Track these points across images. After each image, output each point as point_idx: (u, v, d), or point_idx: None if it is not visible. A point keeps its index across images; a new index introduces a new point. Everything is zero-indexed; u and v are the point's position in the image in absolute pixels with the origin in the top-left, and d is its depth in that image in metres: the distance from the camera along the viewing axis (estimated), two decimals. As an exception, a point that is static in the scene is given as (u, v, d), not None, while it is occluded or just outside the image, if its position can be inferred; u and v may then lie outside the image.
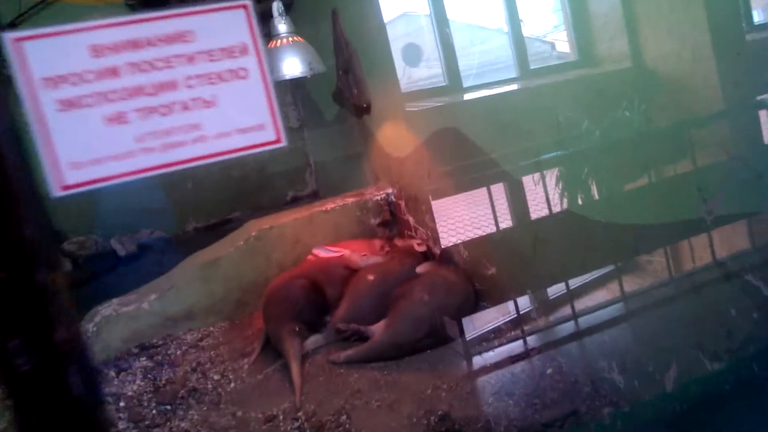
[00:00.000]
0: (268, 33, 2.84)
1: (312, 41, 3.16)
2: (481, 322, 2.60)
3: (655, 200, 2.17)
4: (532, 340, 2.42)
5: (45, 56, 0.86)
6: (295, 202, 6.22)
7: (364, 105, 3.40)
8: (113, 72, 0.83)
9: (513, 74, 3.92)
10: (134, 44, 0.84)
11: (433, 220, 3.07)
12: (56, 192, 0.97)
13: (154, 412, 2.42)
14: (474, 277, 2.73)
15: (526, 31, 4.04)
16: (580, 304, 2.47)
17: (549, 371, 2.21)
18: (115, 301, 3.08)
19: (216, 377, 2.64)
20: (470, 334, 2.53)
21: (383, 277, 2.81)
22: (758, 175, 2.38)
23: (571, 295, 2.46)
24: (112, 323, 2.95)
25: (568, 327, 2.45)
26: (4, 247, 0.81)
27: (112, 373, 2.76)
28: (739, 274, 2.13)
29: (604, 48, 4.07)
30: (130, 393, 2.60)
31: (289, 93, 5.73)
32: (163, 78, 0.86)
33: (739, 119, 3.02)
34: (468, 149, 2.88)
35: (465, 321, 2.54)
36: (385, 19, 3.38)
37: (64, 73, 0.85)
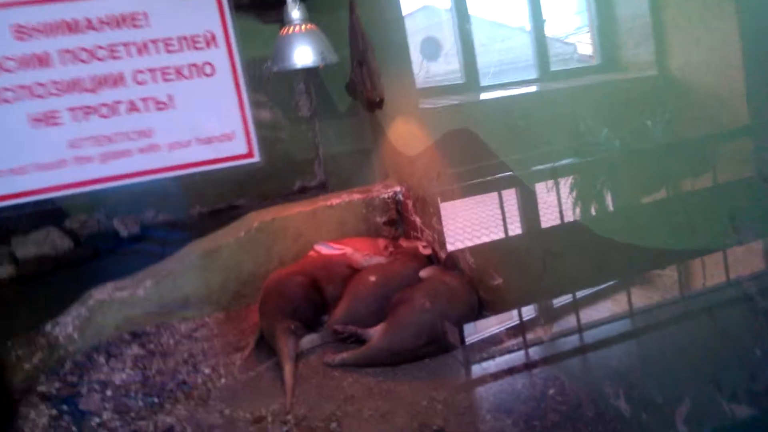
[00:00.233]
0: (281, 19, 2.73)
1: (328, 30, 3.05)
2: (483, 334, 2.50)
3: (675, 220, 2.06)
4: (534, 356, 2.32)
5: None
6: (303, 192, 6.13)
7: (377, 99, 3.29)
8: (42, 60, 0.69)
9: (533, 75, 3.80)
10: (70, 26, 0.70)
11: (441, 223, 2.97)
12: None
13: (140, 403, 2.36)
14: (479, 286, 2.63)
15: (548, 31, 3.91)
16: (586, 315, 2.35)
17: (551, 391, 2.11)
18: (110, 285, 3.02)
19: (207, 371, 2.56)
20: (471, 345, 2.44)
21: (385, 278, 2.72)
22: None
23: (576, 308, 2.36)
24: (105, 307, 2.89)
25: (573, 343, 2.35)
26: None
27: (102, 360, 2.70)
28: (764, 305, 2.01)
29: (629, 53, 3.92)
30: (118, 381, 2.53)
31: (302, 81, 5.62)
32: (106, 70, 0.71)
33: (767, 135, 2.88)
34: (481, 151, 2.76)
35: (466, 331, 2.44)
36: (406, 11, 3.27)
37: (-24, 59, 0.69)
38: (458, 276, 2.70)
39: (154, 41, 0.72)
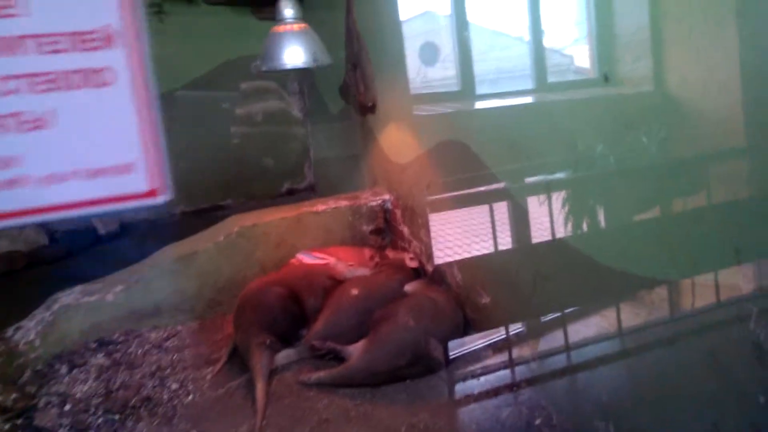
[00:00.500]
0: (273, 17, 2.60)
1: (324, 30, 2.93)
2: (467, 354, 2.37)
3: (670, 242, 1.94)
4: (521, 379, 2.19)
5: None
6: (291, 194, 5.98)
7: (370, 103, 3.16)
8: None
9: (529, 85, 3.69)
10: None
11: (429, 235, 2.84)
12: None
13: (100, 420, 2.20)
14: (465, 304, 2.50)
15: (547, 41, 3.82)
16: (575, 336, 2.22)
17: (537, 421, 1.98)
18: (77, 288, 2.85)
19: (174, 386, 2.41)
20: (455, 366, 2.31)
21: (368, 292, 2.58)
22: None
23: (565, 330, 2.23)
24: (71, 313, 2.72)
25: (562, 366, 2.22)
26: None
27: (64, 370, 2.54)
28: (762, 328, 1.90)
29: (626, 68, 3.82)
30: (78, 395, 2.37)
31: (296, 81, 5.48)
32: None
33: (762, 157, 2.79)
34: (473, 162, 2.64)
35: (450, 351, 2.31)
36: (407, 16, 3.16)
37: None
38: (444, 292, 2.57)
39: (28, 37, 0.53)
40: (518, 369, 2.25)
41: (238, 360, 2.50)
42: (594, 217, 2.25)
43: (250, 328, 2.47)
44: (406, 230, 3.10)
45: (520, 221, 2.24)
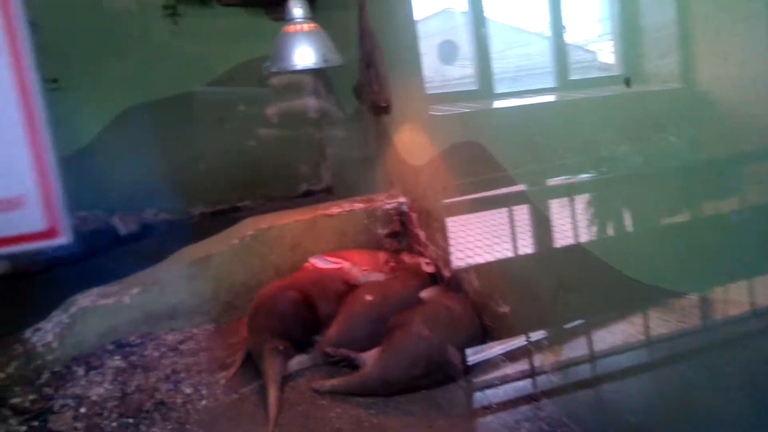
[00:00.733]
0: (282, 17, 2.57)
1: (338, 29, 2.89)
2: (485, 364, 2.31)
3: (700, 250, 1.84)
4: (541, 393, 2.12)
5: None
6: (308, 195, 5.97)
7: (383, 104, 3.11)
8: None
9: (550, 83, 3.60)
10: None
11: (445, 239, 2.78)
12: None
13: (114, 424, 2.20)
14: (483, 312, 2.43)
15: (569, 37, 3.72)
16: (600, 346, 2.12)
17: (557, 437, 1.91)
18: (95, 290, 2.87)
19: (188, 391, 2.40)
20: (471, 377, 2.25)
21: (383, 298, 2.54)
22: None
23: (589, 341, 2.15)
24: (89, 315, 2.74)
25: (586, 383, 2.13)
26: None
27: (81, 372, 2.56)
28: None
29: (653, 65, 3.69)
30: (94, 397, 2.38)
31: (311, 82, 5.46)
32: None
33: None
34: (491, 164, 2.57)
35: (467, 362, 2.25)
36: (424, 14, 3.10)
37: None
38: (462, 300, 2.51)
39: None
40: (539, 380, 2.19)
41: (252, 365, 2.48)
42: (619, 221, 2.16)
43: (263, 333, 2.45)
44: (422, 234, 3.04)
45: (540, 226, 2.17)
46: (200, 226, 5.35)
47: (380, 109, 3.24)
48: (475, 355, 2.35)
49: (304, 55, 2.38)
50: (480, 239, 2.53)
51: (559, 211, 2.13)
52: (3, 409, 2.30)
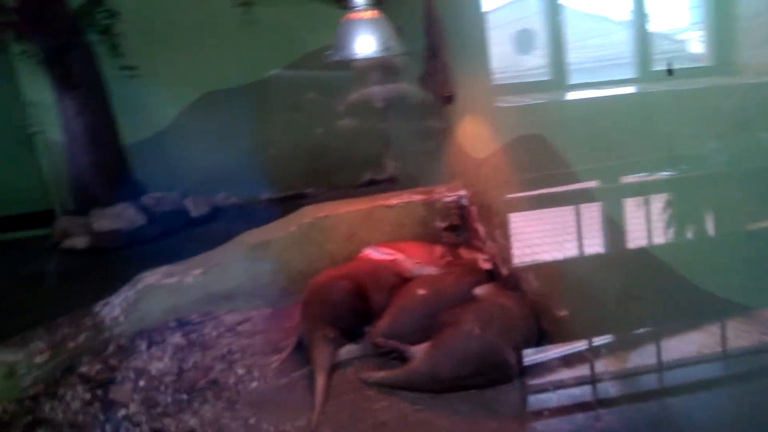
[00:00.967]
0: (345, 5, 2.54)
1: (405, 17, 2.82)
2: (540, 367, 2.19)
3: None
4: (600, 402, 1.98)
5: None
6: (372, 185, 5.97)
7: (447, 94, 3.03)
8: None
9: (630, 74, 3.36)
10: None
11: (505, 236, 2.67)
12: None
13: (169, 399, 2.29)
14: (541, 315, 2.31)
15: (655, 26, 3.46)
16: (668, 354, 1.94)
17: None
18: (161, 269, 3.00)
19: (241, 371, 2.46)
20: (525, 381, 2.14)
21: (435, 293, 2.48)
22: None
23: (658, 349, 1.99)
24: (153, 293, 2.87)
25: (652, 394, 1.98)
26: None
27: (143, 346, 2.68)
28: None
29: (748, 55, 3.37)
30: (153, 371, 2.49)
31: (379, 70, 5.43)
32: None
33: None
34: (559, 158, 2.43)
35: (521, 364, 2.15)
36: (500, 3, 2.99)
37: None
38: (518, 299, 2.40)
39: None
40: (596, 388, 2.05)
41: (304, 350, 2.50)
42: (694, 227, 1.98)
43: (315, 320, 2.46)
44: (481, 229, 2.94)
45: (605, 227, 2.02)
46: (267, 212, 5.48)
47: (444, 99, 3.16)
48: (529, 357, 2.25)
49: (365, 43, 2.35)
50: (541, 238, 2.41)
51: (627, 213, 1.97)
52: (72, 376, 2.44)
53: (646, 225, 1.87)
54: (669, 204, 2.19)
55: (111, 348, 2.65)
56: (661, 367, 1.74)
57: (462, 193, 3.09)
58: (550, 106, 2.74)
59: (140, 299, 2.82)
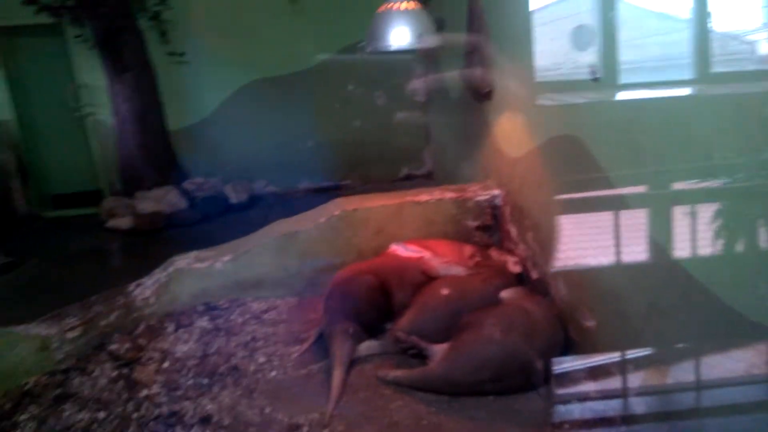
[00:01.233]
0: (384, -5, 2.50)
1: (447, 8, 2.75)
2: (564, 380, 2.11)
3: None
4: (620, 421, 1.89)
5: None
6: (409, 179, 5.93)
7: (486, 89, 2.94)
8: None
9: (686, 75, 3.18)
10: None
11: (536, 239, 2.58)
12: None
13: (190, 382, 2.33)
14: (569, 323, 2.22)
15: (723, 26, 3.25)
16: (690, 371, 1.82)
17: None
18: (192, 253, 3.06)
19: (261, 360, 2.48)
20: (548, 391, 2.07)
21: (460, 293, 2.42)
22: None
23: (697, 365, 1.86)
24: (184, 276, 2.92)
25: (670, 418, 1.86)
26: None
27: (171, 328, 2.74)
28: None
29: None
30: (178, 354, 2.54)
31: (421, 63, 5.36)
32: None
33: None
34: (597, 161, 2.32)
35: (544, 373, 2.07)
36: (551, -1, 2.87)
37: None
38: (546, 305, 2.31)
39: None
40: (619, 404, 1.95)
41: (325, 343, 2.50)
42: (731, 243, 1.83)
43: (336, 314, 2.45)
44: (513, 230, 2.86)
45: (637, 237, 1.91)
46: (303, 202, 5.54)
47: (483, 94, 3.07)
48: (553, 366, 2.16)
49: (399, 35, 2.30)
50: (572, 244, 2.31)
51: (664, 223, 1.85)
52: (101, 353, 2.53)
53: (681, 237, 1.76)
54: (710, 217, 2.05)
55: (141, 328, 2.73)
56: (683, 388, 1.63)
57: (496, 192, 3.00)
58: (595, 106, 2.61)
59: (171, 282, 2.89)
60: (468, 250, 2.82)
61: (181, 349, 2.58)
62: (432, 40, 2.38)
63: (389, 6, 2.37)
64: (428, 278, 2.60)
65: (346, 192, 5.21)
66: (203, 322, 2.81)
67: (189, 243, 3.44)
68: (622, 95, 2.91)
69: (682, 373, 1.64)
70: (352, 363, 2.34)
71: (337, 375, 2.21)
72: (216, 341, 2.65)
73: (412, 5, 2.36)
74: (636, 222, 1.95)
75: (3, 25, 5.54)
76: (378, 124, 5.75)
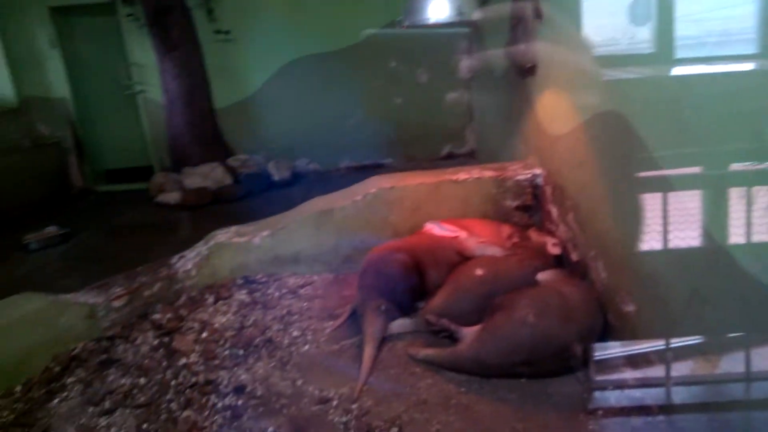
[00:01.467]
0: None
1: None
2: (600, 366, 2.04)
3: None
4: (657, 410, 1.81)
5: None
6: (451, 158, 5.85)
7: (528, 65, 2.84)
8: None
9: (749, 50, 2.96)
10: None
11: (577, 221, 2.49)
12: None
13: (226, 352, 2.39)
14: (608, 308, 2.14)
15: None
16: (733, 361, 1.72)
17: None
18: (233, 228, 3.12)
19: (295, 333, 2.52)
20: (584, 376, 2.01)
21: (494, 274, 2.37)
22: None
23: (747, 356, 1.76)
24: (224, 250, 2.99)
25: (710, 409, 1.77)
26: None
27: (211, 300, 2.82)
28: None
29: None
30: (216, 325, 2.61)
31: (466, 39, 5.22)
32: None
33: None
34: (644, 140, 2.20)
35: (579, 358, 2.01)
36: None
37: None
38: (584, 289, 2.24)
39: None
40: (657, 392, 1.88)
41: (358, 320, 2.51)
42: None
43: (370, 291, 2.45)
44: (554, 211, 2.77)
45: (682, 221, 1.81)
46: (344, 179, 5.57)
47: (526, 70, 2.96)
48: (592, 351, 2.10)
49: (437, 8, 2.23)
50: (614, 226, 2.21)
51: (712, 207, 1.74)
52: (145, 322, 2.63)
53: (729, 222, 1.65)
54: (761, 201, 1.92)
55: (182, 299, 2.82)
56: (727, 379, 1.55)
57: (537, 171, 2.91)
58: (644, 82, 2.47)
59: (212, 255, 2.97)
60: (506, 230, 2.76)
61: (220, 321, 2.65)
62: (472, 13, 2.30)
63: (428, -22, 2.30)
64: (463, 258, 2.56)
65: (387, 170, 5.20)
66: (241, 295, 2.88)
67: (232, 218, 3.52)
68: (677, 70, 2.74)
69: (724, 363, 1.55)
70: (384, 340, 2.35)
71: (369, 351, 2.22)
72: (253, 314, 2.71)
73: (451, -23, 2.28)
74: (681, 205, 1.85)
75: (59, 5, 5.76)
76: (420, 101, 5.67)
